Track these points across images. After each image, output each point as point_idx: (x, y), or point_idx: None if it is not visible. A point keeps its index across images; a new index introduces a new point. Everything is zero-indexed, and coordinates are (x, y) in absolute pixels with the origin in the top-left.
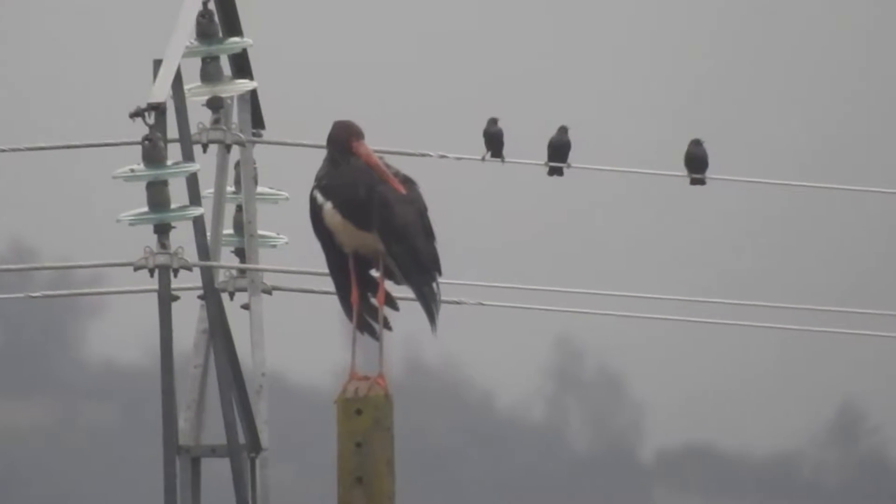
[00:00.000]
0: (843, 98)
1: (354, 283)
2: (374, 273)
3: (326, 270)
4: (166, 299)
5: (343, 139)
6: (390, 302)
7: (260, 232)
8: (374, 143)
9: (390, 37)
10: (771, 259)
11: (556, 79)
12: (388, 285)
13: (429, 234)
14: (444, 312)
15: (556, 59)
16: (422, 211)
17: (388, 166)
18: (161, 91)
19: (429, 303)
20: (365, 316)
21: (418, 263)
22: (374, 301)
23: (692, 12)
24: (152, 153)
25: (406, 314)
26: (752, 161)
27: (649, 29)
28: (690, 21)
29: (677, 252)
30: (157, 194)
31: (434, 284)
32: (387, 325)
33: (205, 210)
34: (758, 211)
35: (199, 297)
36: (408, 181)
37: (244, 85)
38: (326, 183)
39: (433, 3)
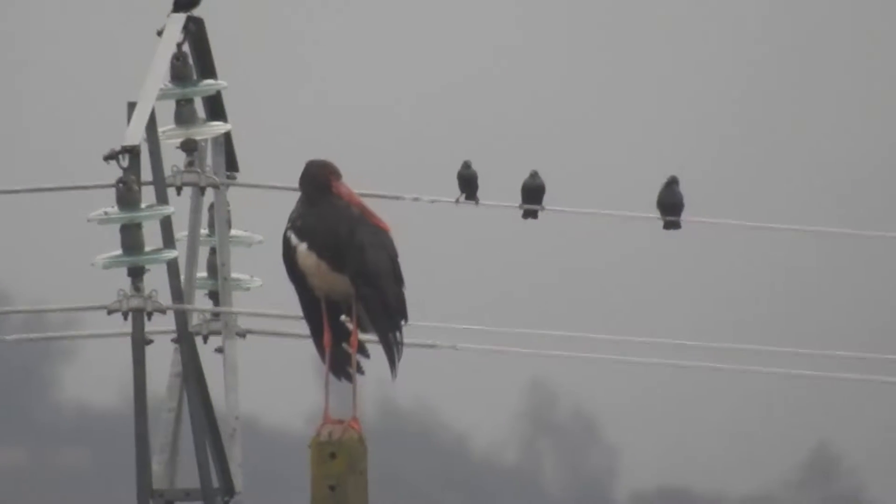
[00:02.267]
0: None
1: (327, 327)
2: (345, 318)
3: (300, 314)
4: (140, 342)
5: (322, 178)
6: (362, 348)
7: (234, 275)
8: (348, 184)
9: (364, 80)
10: (746, 303)
11: (530, 118)
12: (361, 332)
13: (398, 279)
14: (418, 355)
15: (533, 103)
16: (392, 257)
17: (365, 207)
18: (135, 134)
19: (391, 348)
20: (339, 360)
21: (386, 308)
22: (346, 346)
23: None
24: (126, 196)
25: (380, 356)
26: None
27: (628, 66)
28: (671, 55)
29: (650, 295)
30: (131, 237)
31: (398, 332)
32: (360, 370)
33: (178, 253)
34: (734, 255)
35: (173, 340)
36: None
37: (218, 127)
38: (301, 224)
39: (406, 46)
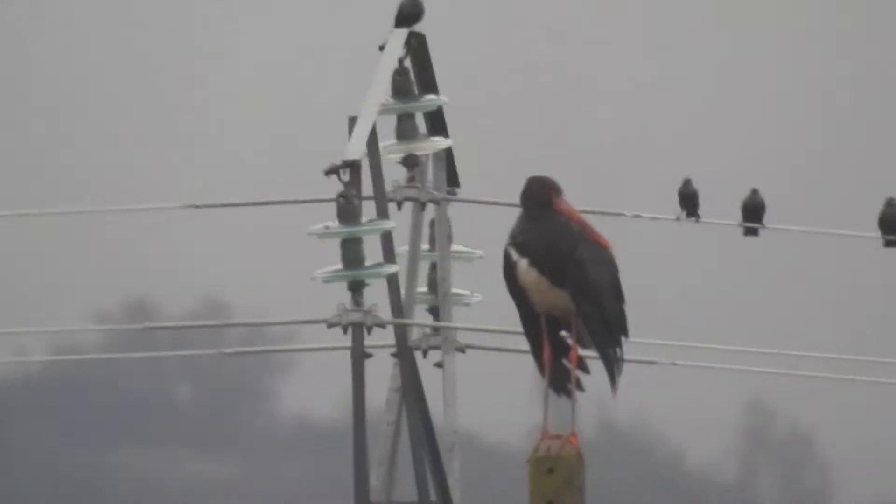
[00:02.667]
0: None
1: (546, 342)
2: (565, 334)
3: (520, 329)
4: (359, 357)
5: (543, 195)
6: (581, 364)
7: (454, 290)
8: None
9: (581, 94)
10: None
11: (749, 135)
12: (581, 348)
13: (618, 295)
14: (638, 371)
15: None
16: (613, 272)
17: (586, 224)
18: (356, 148)
19: (611, 364)
20: (558, 376)
21: (606, 324)
22: (565, 362)
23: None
24: (347, 210)
25: (598, 372)
26: None
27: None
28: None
29: (868, 313)
30: (351, 251)
31: (618, 348)
32: (579, 386)
33: (399, 268)
34: None
35: (393, 354)
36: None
37: (439, 143)
38: (522, 239)
39: (621, 62)
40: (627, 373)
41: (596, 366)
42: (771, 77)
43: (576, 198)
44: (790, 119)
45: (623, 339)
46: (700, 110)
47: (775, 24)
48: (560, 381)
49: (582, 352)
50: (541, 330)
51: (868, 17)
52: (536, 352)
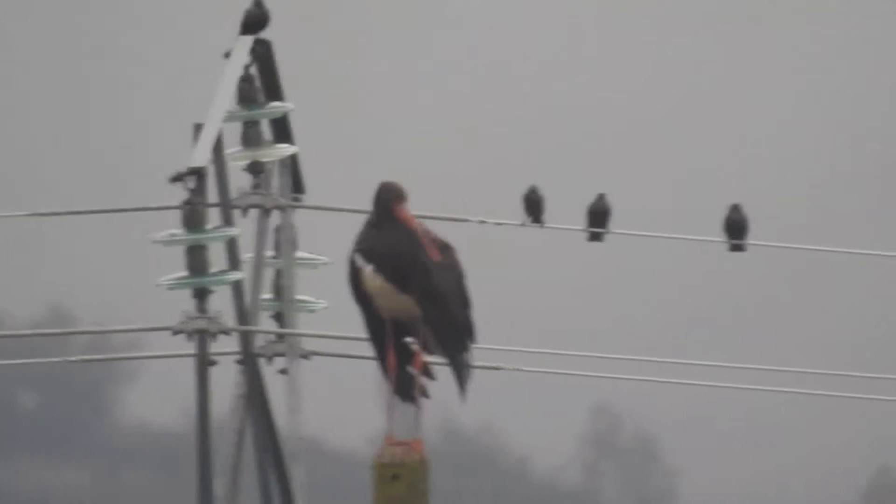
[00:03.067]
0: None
1: (391, 349)
2: (411, 340)
3: (364, 336)
4: (204, 364)
5: (386, 202)
6: (427, 371)
7: (299, 297)
8: (414, 207)
9: (429, 101)
10: (808, 326)
11: (595, 141)
12: (427, 354)
13: (465, 301)
14: (482, 377)
15: (595, 123)
16: (459, 278)
17: (428, 231)
18: (202, 155)
19: (460, 370)
20: (404, 382)
21: (453, 330)
22: (410, 369)
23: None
24: (192, 217)
25: (444, 378)
26: (798, 225)
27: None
28: (737, 84)
29: (713, 317)
30: (196, 259)
31: (466, 353)
32: (424, 393)
33: (244, 274)
34: (791, 276)
35: (237, 361)
36: (447, 247)
37: (285, 149)
38: (367, 246)
39: (475, 66)
40: (473, 379)
41: (442, 372)
42: (620, 84)
43: (422, 203)
44: (639, 120)
45: (471, 344)
46: (547, 115)
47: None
48: (405, 387)
49: (428, 358)
50: (386, 336)
51: None
52: (382, 358)
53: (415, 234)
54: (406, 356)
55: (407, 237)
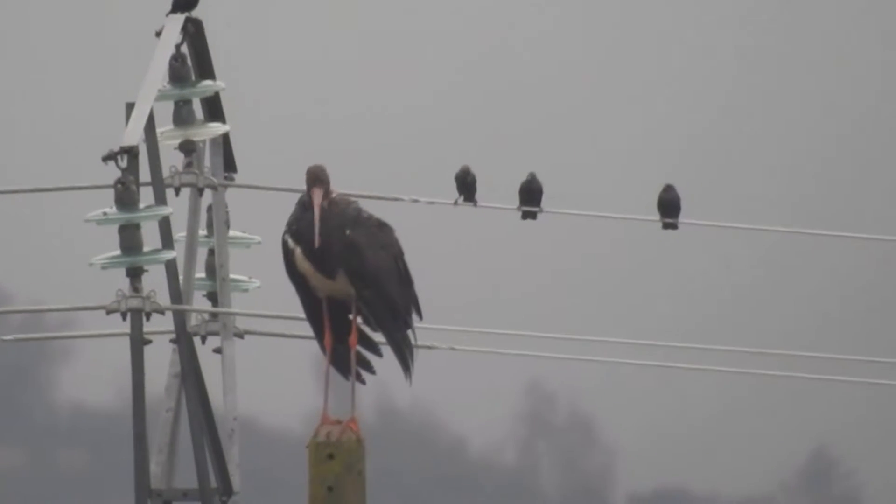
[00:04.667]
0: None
1: (328, 327)
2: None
3: (298, 315)
4: (138, 343)
5: (307, 184)
6: (372, 347)
7: (232, 276)
8: (346, 187)
9: (363, 80)
10: (743, 303)
11: (526, 121)
12: (370, 331)
13: (403, 279)
14: (417, 356)
15: (527, 101)
16: (396, 256)
17: (361, 210)
18: (133, 134)
19: (402, 350)
20: (346, 359)
21: (390, 309)
22: (344, 346)
23: (680, 60)
24: (125, 196)
25: (383, 358)
26: (730, 207)
27: (623, 69)
28: (673, 67)
29: (648, 296)
30: (129, 238)
31: (409, 331)
32: (369, 369)
33: (177, 254)
34: (729, 256)
35: (172, 340)
36: (383, 226)
37: (216, 128)
38: (296, 227)
39: (406, 49)
40: (414, 358)
41: (386, 351)
42: (552, 64)
43: (354, 182)
44: (574, 106)
45: (413, 322)
46: (480, 95)
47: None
48: (348, 364)
49: (374, 336)
50: (322, 314)
51: None
52: (319, 336)
53: (343, 213)
54: (346, 333)
55: (333, 218)
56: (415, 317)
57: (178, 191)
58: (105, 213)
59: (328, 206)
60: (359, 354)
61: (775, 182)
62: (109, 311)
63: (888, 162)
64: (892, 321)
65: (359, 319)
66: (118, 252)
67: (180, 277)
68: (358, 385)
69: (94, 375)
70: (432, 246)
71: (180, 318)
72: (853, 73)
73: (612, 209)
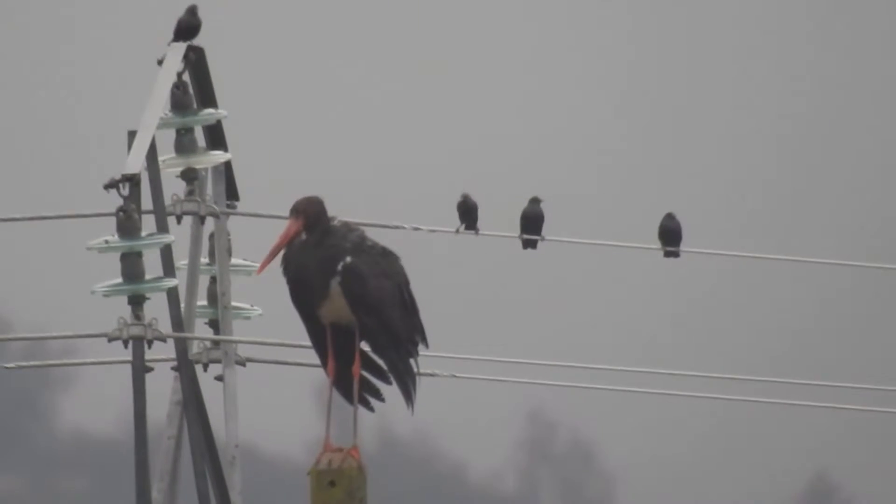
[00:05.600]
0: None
1: (331, 354)
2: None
3: (300, 342)
4: (140, 370)
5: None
6: (381, 374)
7: (234, 303)
8: (348, 215)
9: (365, 108)
10: (744, 333)
11: (529, 149)
12: (379, 359)
13: (408, 307)
14: (418, 384)
15: (528, 128)
16: (401, 284)
17: (365, 238)
18: (135, 162)
19: (404, 379)
20: (351, 386)
21: (391, 337)
22: (365, 372)
23: (668, 81)
24: (126, 224)
25: (383, 386)
26: (732, 232)
27: (622, 97)
28: (664, 88)
29: (650, 325)
30: (131, 265)
31: (412, 360)
32: (378, 397)
33: (179, 281)
34: (724, 283)
35: (173, 368)
36: (387, 254)
37: (218, 156)
38: (294, 260)
39: (406, 76)
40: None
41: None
42: (553, 91)
43: (355, 210)
44: (575, 133)
45: (416, 351)
46: (482, 122)
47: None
48: (352, 390)
49: (383, 364)
50: (326, 341)
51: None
52: (325, 363)
53: (342, 243)
54: (352, 359)
55: (327, 251)
56: (420, 346)
57: (179, 219)
58: (107, 241)
59: (323, 233)
60: (368, 382)
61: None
62: (111, 339)
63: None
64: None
65: (367, 346)
66: (120, 280)
67: (182, 305)
68: (360, 412)
69: (95, 403)
70: (434, 274)
71: (182, 346)
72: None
73: (613, 237)
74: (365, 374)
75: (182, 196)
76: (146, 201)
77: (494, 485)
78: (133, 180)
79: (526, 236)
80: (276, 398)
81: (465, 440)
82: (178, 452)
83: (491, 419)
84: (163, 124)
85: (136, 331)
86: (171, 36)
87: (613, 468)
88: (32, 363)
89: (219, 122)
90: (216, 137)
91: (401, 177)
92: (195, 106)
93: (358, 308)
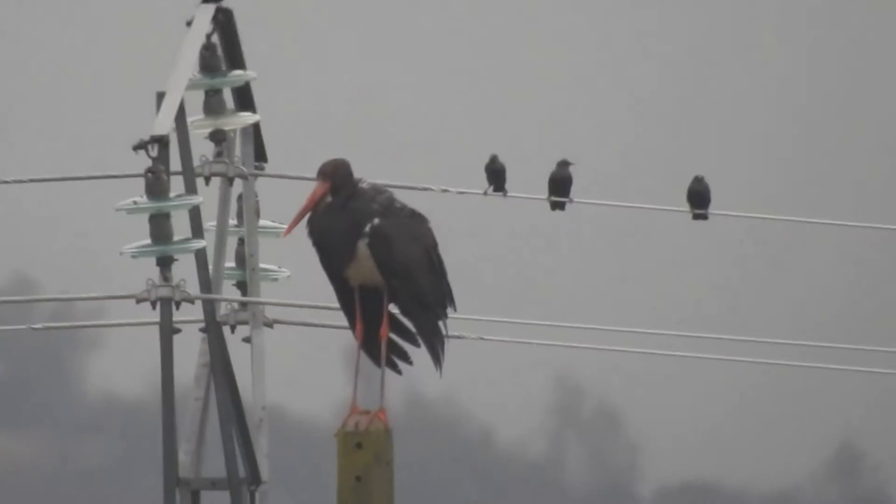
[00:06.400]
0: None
1: (360, 317)
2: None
3: (328, 304)
4: (168, 332)
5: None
6: (410, 337)
7: (261, 265)
8: (376, 176)
9: (394, 70)
10: (773, 294)
11: (555, 112)
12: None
13: (436, 270)
14: (445, 347)
15: (557, 92)
16: (429, 247)
17: (393, 200)
18: (164, 124)
19: (432, 341)
20: (386, 350)
21: (419, 299)
22: (393, 335)
23: (694, 46)
24: (155, 186)
25: (412, 348)
26: (750, 195)
27: (647, 59)
28: (691, 54)
29: (679, 288)
30: (159, 227)
31: (440, 322)
32: (407, 360)
33: (207, 243)
34: (756, 246)
35: (201, 330)
36: (415, 216)
37: (247, 118)
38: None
39: (433, 38)
40: (445, 350)
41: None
42: (577, 51)
43: (383, 172)
44: (603, 94)
45: (445, 314)
46: (509, 85)
47: None
48: (380, 353)
49: (412, 326)
50: (354, 304)
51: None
52: (353, 325)
53: (369, 206)
54: (380, 324)
55: (354, 213)
56: (448, 309)
57: (208, 180)
58: (135, 203)
59: (349, 196)
60: (396, 344)
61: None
62: (139, 301)
63: None
64: None
65: (395, 309)
66: (148, 241)
67: (210, 267)
68: (388, 375)
69: (123, 365)
70: (463, 236)
71: (210, 308)
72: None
73: (642, 199)
74: (393, 336)
75: (210, 157)
76: (175, 163)
77: (521, 450)
78: (162, 142)
79: (554, 198)
80: (303, 360)
81: (492, 404)
82: (205, 414)
83: (518, 383)
84: (191, 86)
85: (163, 292)
86: None
87: (641, 434)
88: (60, 324)
89: (247, 84)
90: (244, 99)
91: (429, 139)
92: (224, 67)
93: (386, 270)
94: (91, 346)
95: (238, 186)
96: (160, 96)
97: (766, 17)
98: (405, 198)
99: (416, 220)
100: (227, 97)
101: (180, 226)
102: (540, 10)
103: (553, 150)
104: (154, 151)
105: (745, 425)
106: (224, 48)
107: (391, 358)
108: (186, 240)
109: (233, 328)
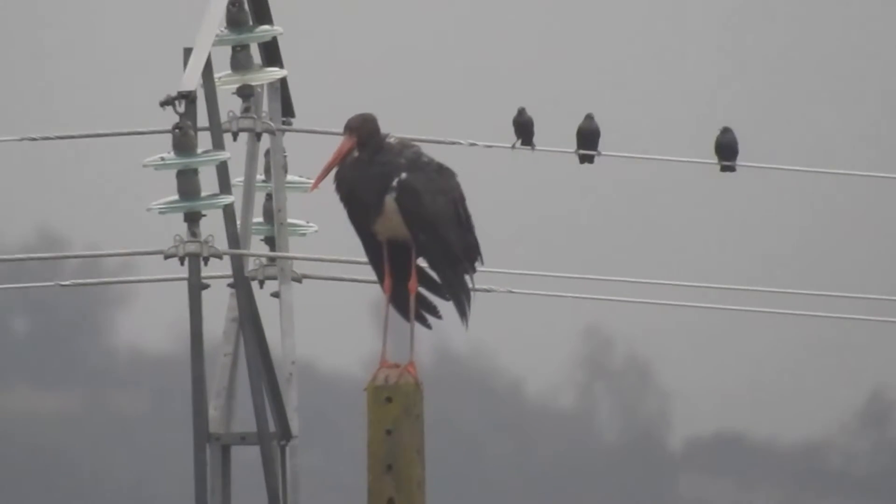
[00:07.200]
0: (878, 85)
1: (388, 271)
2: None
3: (357, 258)
4: (196, 288)
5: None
6: (438, 291)
7: (289, 220)
8: (404, 131)
9: (421, 24)
10: (799, 246)
11: (582, 65)
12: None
13: (463, 224)
14: (474, 300)
15: (583, 46)
16: (456, 200)
17: (420, 154)
18: (191, 79)
19: (458, 295)
20: (415, 304)
21: (447, 254)
22: (422, 289)
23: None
24: (182, 141)
25: (441, 302)
26: (786, 147)
27: (677, 13)
28: (720, 5)
29: (707, 240)
30: (187, 183)
31: (467, 276)
32: (436, 314)
33: (234, 198)
34: (787, 198)
35: (229, 285)
36: (443, 170)
37: (274, 73)
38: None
39: None
40: (471, 304)
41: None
42: (608, 8)
43: (411, 126)
44: (628, 50)
45: (472, 268)
46: (537, 40)
47: None
48: (409, 307)
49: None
50: (382, 258)
51: None
52: (381, 279)
53: (396, 160)
54: (408, 278)
55: (380, 167)
56: (476, 263)
57: (235, 136)
58: (163, 159)
59: (376, 151)
60: (424, 298)
61: (842, 122)
62: (167, 256)
63: None
64: None
65: (423, 263)
66: (176, 197)
67: (238, 222)
68: (417, 329)
69: (151, 320)
70: (491, 190)
71: (238, 263)
72: None
73: (670, 152)
74: (422, 290)
75: (238, 113)
76: (202, 118)
77: (551, 402)
78: (189, 97)
79: (583, 151)
80: (332, 315)
81: (521, 356)
82: (234, 369)
83: (548, 335)
84: (218, 41)
85: (192, 248)
86: None
87: (670, 385)
88: (89, 281)
89: (274, 39)
90: (272, 54)
91: (457, 93)
92: (251, 23)
93: (413, 224)
94: (120, 302)
95: (265, 142)
96: (187, 52)
97: None
98: (433, 152)
99: (444, 174)
100: (255, 52)
101: (208, 181)
102: None
103: (584, 102)
104: (181, 107)
105: (775, 375)
106: (251, 3)
107: (420, 312)
108: (214, 195)
109: (261, 283)
